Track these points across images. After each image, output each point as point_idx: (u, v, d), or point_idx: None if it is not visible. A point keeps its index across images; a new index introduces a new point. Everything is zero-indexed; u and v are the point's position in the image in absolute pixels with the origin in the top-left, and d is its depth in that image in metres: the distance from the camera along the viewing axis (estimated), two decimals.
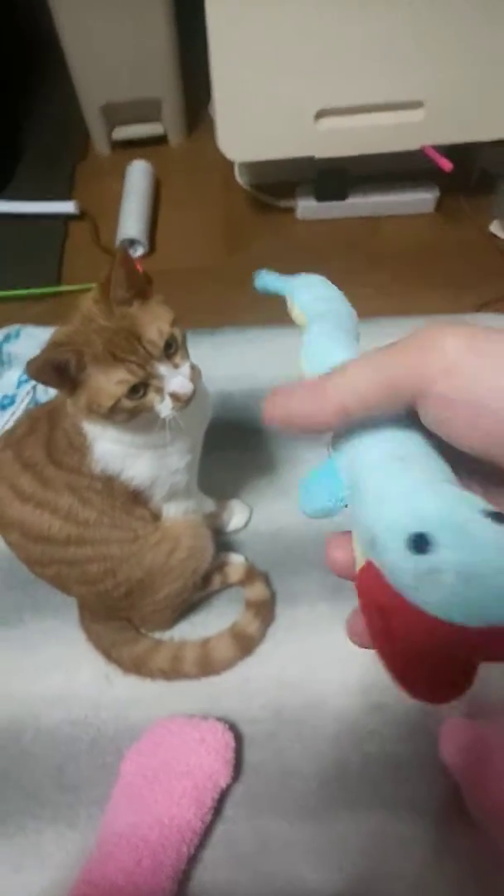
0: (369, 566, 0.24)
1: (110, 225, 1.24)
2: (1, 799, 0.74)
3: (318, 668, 0.79)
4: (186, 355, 0.59)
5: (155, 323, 0.55)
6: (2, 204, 1.28)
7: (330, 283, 0.39)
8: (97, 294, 0.55)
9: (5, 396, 0.97)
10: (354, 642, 0.27)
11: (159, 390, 0.57)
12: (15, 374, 0.99)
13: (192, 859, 0.68)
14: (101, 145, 1.40)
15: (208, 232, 1.26)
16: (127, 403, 0.56)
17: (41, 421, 0.66)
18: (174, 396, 0.57)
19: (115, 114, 1.35)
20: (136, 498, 0.67)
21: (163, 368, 0.56)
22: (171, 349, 0.57)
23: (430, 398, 0.24)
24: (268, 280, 0.42)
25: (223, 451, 0.90)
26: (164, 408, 0.58)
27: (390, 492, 0.25)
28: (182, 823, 0.67)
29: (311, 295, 0.38)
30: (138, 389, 0.56)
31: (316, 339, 0.34)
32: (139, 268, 1.16)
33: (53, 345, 0.55)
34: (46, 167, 1.38)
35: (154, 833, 0.66)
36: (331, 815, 0.72)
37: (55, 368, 0.53)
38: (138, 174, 1.28)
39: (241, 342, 1.07)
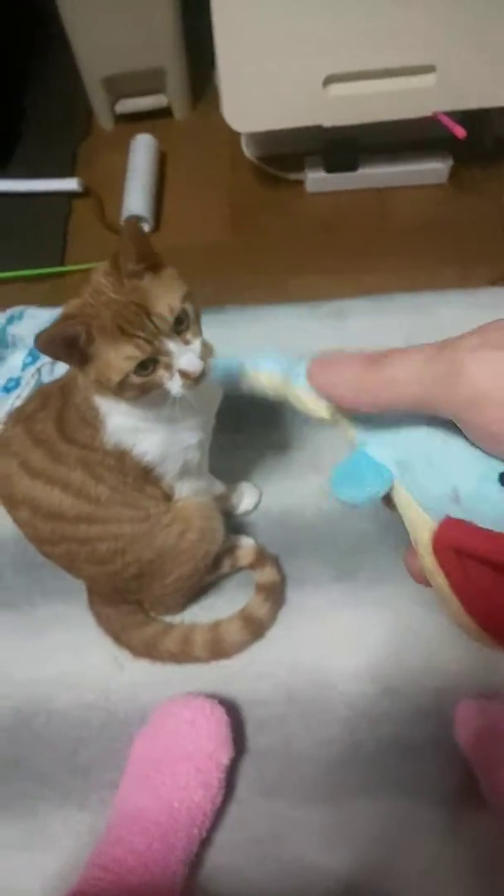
0: (449, 520, 0.27)
1: (115, 201, 1.21)
2: (13, 782, 0.74)
3: (329, 651, 0.78)
4: (199, 332, 0.57)
5: (165, 297, 0.53)
6: (3, 182, 1.25)
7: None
8: (108, 266, 0.53)
9: (10, 379, 0.96)
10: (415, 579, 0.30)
11: (168, 367, 0.55)
12: (20, 356, 0.97)
13: (204, 841, 0.68)
14: (104, 120, 1.37)
15: (215, 207, 1.23)
16: (136, 379, 0.54)
17: (53, 396, 0.65)
18: (183, 374, 0.55)
19: (117, 86, 1.31)
20: (147, 475, 0.66)
21: (172, 345, 0.54)
22: (182, 325, 0.55)
23: (461, 422, 0.26)
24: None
25: (231, 432, 0.89)
26: (174, 385, 0.56)
27: (455, 453, 0.27)
28: (191, 806, 0.67)
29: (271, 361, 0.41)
30: (147, 365, 0.54)
31: None
32: None
33: (63, 317, 0.53)
34: (49, 144, 1.35)
35: (164, 816, 0.66)
36: (342, 799, 0.72)
37: (64, 341, 0.52)
38: (143, 148, 1.25)
39: (246, 319, 1.05)
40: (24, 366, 0.96)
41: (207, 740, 0.69)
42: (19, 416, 0.65)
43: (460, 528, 0.26)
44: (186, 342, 0.56)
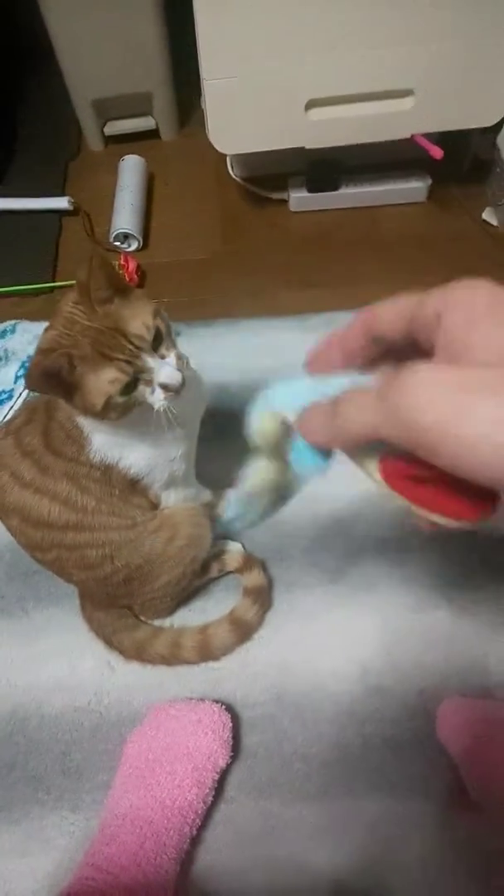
0: (387, 460, 0.32)
1: (104, 220, 1.24)
2: (7, 785, 0.75)
3: (317, 652, 0.80)
4: (173, 345, 0.60)
5: (139, 317, 0.56)
6: None
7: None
8: (76, 296, 0.55)
9: (3, 391, 0.98)
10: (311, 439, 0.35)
11: (149, 382, 0.58)
12: (12, 369, 1.00)
13: (195, 840, 0.69)
14: (93, 141, 1.41)
15: (202, 225, 1.27)
16: (119, 399, 0.56)
17: (38, 411, 0.67)
18: (164, 387, 0.58)
19: (106, 109, 1.35)
20: (134, 486, 0.68)
21: (151, 361, 0.57)
22: (157, 341, 0.58)
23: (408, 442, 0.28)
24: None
25: (220, 440, 0.91)
26: (156, 399, 0.58)
27: None
28: (184, 805, 0.68)
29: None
30: (129, 386, 0.56)
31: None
32: (133, 262, 1.17)
33: (42, 353, 0.55)
34: (40, 163, 1.38)
35: (157, 815, 0.67)
36: (332, 797, 0.73)
37: (49, 376, 0.54)
38: (131, 168, 1.29)
39: (237, 333, 1.08)
40: (17, 378, 0.98)
41: (210, 741, 0.70)
42: (8, 429, 0.68)
43: (393, 461, 0.32)
44: (163, 356, 0.58)
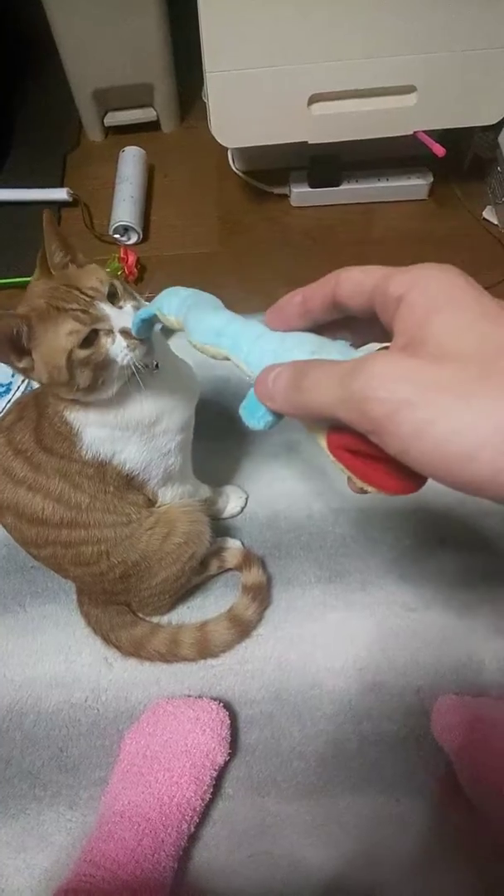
0: (334, 433, 0.32)
1: (104, 212, 1.23)
2: (3, 781, 0.75)
3: (314, 650, 0.80)
4: (131, 297, 0.60)
5: (93, 276, 0.58)
6: None
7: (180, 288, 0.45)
8: (37, 272, 0.59)
9: (0, 385, 0.97)
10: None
11: (109, 332, 0.57)
12: None
13: (192, 837, 0.70)
14: (93, 132, 1.39)
15: (202, 219, 1.26)
16: (80, 353, 0.56)
17: (28, 408, 0.67)
18: (124, 333, 0.56)
19: (106, 100, 1.34)
20: (129, 483, 0.68)
21: (107, 308, 0.57)
22: (113, 296, 0.58)
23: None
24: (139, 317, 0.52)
25: (218, 437, 0.91)
26: (118, 350, 0.57)
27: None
28: (182, 801, 0.68)
29: (177, 298, 0.43)
30: (90, 339, 0.56)
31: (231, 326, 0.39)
32: (133, 255, 1.16)
33: (4, 320, 0.55)
34: (39, 155, 1.37)
35: (154, 811, 0.67)
36: (329, 795, 0.73)
37: (8, 340, 0.54)
38: (131, 160, 1.27)
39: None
40: (13, 373, 0.97)
41: (208, 738, 0.70)
42: (0, 427, 0.67)
43: (342, 437, 0.32)
44: (120, 307, 0.58)
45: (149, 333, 0.56)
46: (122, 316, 0.57)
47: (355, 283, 0.32)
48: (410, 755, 0.74)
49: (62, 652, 0.82)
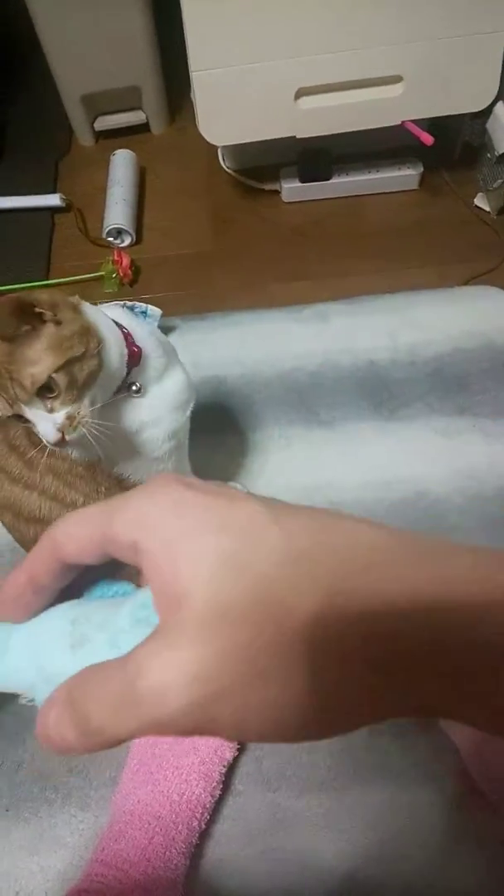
0: None
1: (97, 216, 1.24)
2: (15, 784, 0.75)
3: None
4: (71, 400, 0.55)
5: (33, 367, 0.53)
6: None
7: None
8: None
9: None
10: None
11: (34, 426, 0.56)
12: None
13: (204, 834, 0.70)
14: (84, 136, 1.40)
15: (195, 218, 1.26)
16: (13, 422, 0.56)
17: None
18: (44, 439, 0.55)
19: (95, 104, 1.34)
20: (121, 484, 0.68)
21: (31, 412, 0.54)
22: (52, 392, 0.54)
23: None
24: None
25: (217, 434, 0.91)
26: (44, 433, 0.55)
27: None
28: (192, 799, 0.68)
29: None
30: (21, 420, 0.56)
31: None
32: (127, 258, 1.16)
33: None
34: (30, 161, 1.37)
35: (165, 809, 0.67)
36: (339, 788, 0.73)
37: None
38: (122, 163, 1.28)
39: (229, 326, 1.08)
40: None
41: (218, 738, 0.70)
42: None
43: None
44: (51, 410, 0.55)
45: None
46: (42, 423, 0.54)
47: (77, 540, 0.25)
48: (420, 744, 0.74)
49: None
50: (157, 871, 0.65)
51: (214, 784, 0.70)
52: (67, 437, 0.55)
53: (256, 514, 0.22)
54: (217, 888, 0.69)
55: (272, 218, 1.24)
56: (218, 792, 0.70)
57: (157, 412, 0.63)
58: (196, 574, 0.21)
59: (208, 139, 1.06)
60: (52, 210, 1.27)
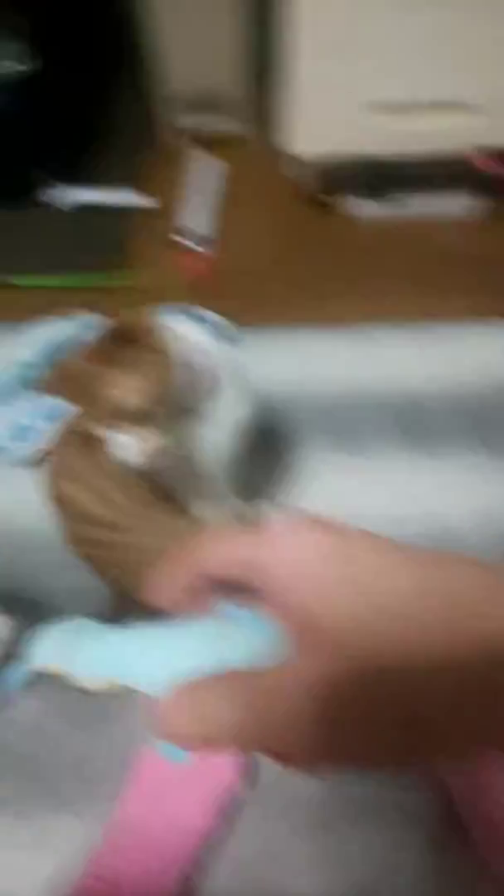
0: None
1: (175, 217, 1.24)
2: (22, 782, 0.76)
3: None
4: (152, 428, 0.56)
5: (123, 392, 0.54)
6: (68, 192, 1.29)
7: None
8: (97, 337, 0.55)
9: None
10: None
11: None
12: None
13: (197, 864, 0.68)
14: (171, 137, 1.41)
15: (268, 229, 1.25)
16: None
17: None
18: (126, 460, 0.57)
19: (187, 105, 1.35)
20: (169, 495, 0.67)
21: (111, 435, 0.57)
22: (135, 419, 0.55)
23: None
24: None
25: (262, 451, 0.90)
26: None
27: None
28: (194, 827, 0.67)
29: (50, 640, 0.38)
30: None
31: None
32: (199, 262, 1.16)
33: (55, 370, 0.57)
34: (115, 156, 1.38)
35: (165, 833, 0.66)
36: (328, 828, 0.71)
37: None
38: (205, 168, 1.28)
39: (284, 342, 1.07)
40: None
41: (230, 770, 0.69)
42: (72, 420, 0.68)
43: None
44: (129, 434, 0.56)
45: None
46: (125, 451, 0.56)
47: (221, 558, 0.28)
48: (407, 780, 0.71)
49: None
50: (149, 892, 0.64)
51: (219, 816, 0.68)
52: (154, 463, 0.57)
53: (392, 557, 0.25)
54: None
55: (341, 235, 1.22)
56: (220, 823, 0.68)
57: (218, 434, 0.62)
58: (336, 615, 0.24)
59: (292, 150, 1.05)
60: (132, 208, 1.28)
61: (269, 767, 0.73)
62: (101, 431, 0.55)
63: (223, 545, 0.28)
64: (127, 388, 0.54)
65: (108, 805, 0.71)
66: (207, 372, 0.63)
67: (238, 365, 0.67)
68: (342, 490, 0.92)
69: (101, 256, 1.21)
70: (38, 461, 0.95)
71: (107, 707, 0.78)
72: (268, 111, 1.41)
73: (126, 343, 0.54)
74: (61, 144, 1.36)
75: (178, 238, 1.21)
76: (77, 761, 0.76)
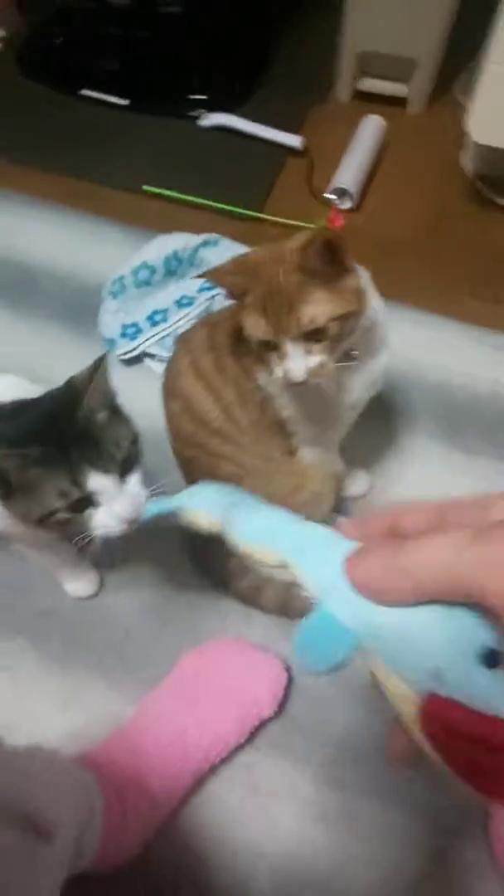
0: (436, 698, 0.25)
1: (326, 170, 1.24)
2: (68, 648, 0.80)
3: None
4: (328, 351, 0.57)
5: (317, 306, 0.55)
6: (234, 119, 1.30)
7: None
8: (300, 245, 0.56)
9: (184, 297, 1.01)
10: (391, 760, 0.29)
11: (283, 357, 0.58)
12: (200, 279, 1.02)
13: (214, 768, 0.71)
14: (342, 91, 1.39)
15: (417, 206, 1.23)
16: (257, 344, 0.59)
17: (240, 313, 0.69)
18: (286, 373, 0.57)
19: (368, 64, 1.33)
20: (281, 427, 0.69)
21: (290, 347, 0.57)
22: (317, 337, 0.56)
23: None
24: (152, 509, 0.41)
25: (370, 422, 0.91)
26: (277, 373, 0.58)
27: (433, 627, 0.25)
28: (218, 730, 0.70)
29: (214, 494, 0.35)
30: (268, 344, 0.58)
31: (279, 525, 0.31)
32: (341, 219, 1.15)
33: (236, 265, 0.58)
34: (284, 98, 1.38)
35: (191, 728, 0.69)
36: (351, 791, 0.73)
37: (231, 293, 0.59)
38: (370, 129, 1.27)
39: (412, 322, 1.06)
40: (201, 289, 1.01)
41: (262, 689, 0.72)
42: (207, 320, 0.70)
43: (449, 707, 0.24)
44: (309, 352, 0.57)
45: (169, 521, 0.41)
46: (294, 362, 0.57)
47: (421, 516, 0.27)
48: (443, 784, 0.72)
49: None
50: (166, 776, 0.68)
51: (243, 730, 0.71)
52: (311, 381, 0.57)
53: None
54: (204, 821, 0.71)
55: (494, 233, 1.20)
56: (243, 739, 0.72)
57: (356, 384, 0.64)
58: None
59: (474, 135, 1.03)
60: (289, 150, 1.28)
61: (295, 709, 0.76)
62: (278, 340, 0.56)
63: (420, 513, 0.27)
64: (320, 303, 0.55)
65: (143, 688, 0.75)
66: (380, 325, 0.64)
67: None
68: (437, 480, 0.92)
69: (245, 187, 1.22)
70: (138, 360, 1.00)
71: (165, 603, 0.83)
72: (452, 88, 1.38)
73: (330, 259, 0.55)
74: (228, 75, 1.38)
75: (324, 191, 1.20)
76: (125, 639, 0.80)
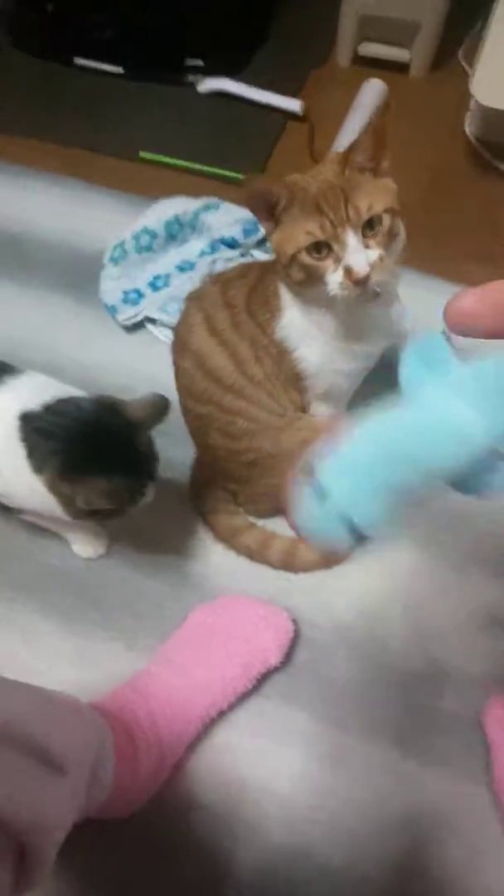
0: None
1: (327, 134, 1.23)
2: (80, 603, 0.82)
3: (390, 607, 0.82)
4: (385, 245, 0.59)
5: (370, 198, 0.57)
6: (232, 84, 1.29)
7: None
8: (339, 156, 0.59)
9: (185, 261, 1.01)
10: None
11: (338, 260, 0.58)
12: (200, 243, 1.02)
13: (221, 714, 0.73)
14: (342, 55, 1.38)
15: (417, 171, 1.23)
16: (305, 259, 0.58)
17: (253, 269, 0.70)
18: (347, 271, 0.57)
19: (368, 27, 1.32)
20: (295, 381, 0.70)
21: (351, 239, 0.57)
22: (372, 230, 0.58)
23: None
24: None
25: (379, 384, 0.91)
26: (334, 280, 0.58)
27: None
28: (225, 676, 0.72)
29: None
30: (321, 250, 0.58)
31: None
32: None
33: (279, 184, 0.59)
34: (284, 62, 1.37)
35: (200, 673, 0.72)
36: (352, 736, 0.75)
37: (266, 200, 0.58)
38: (371, 93, 1.26)
39: (417, 288, 1.05)
40: (202, 253, 1.01)
41: (269, 639, 0.74)
42: (219, 277, 0.71)
43: None
44: (367, 246, 0.58)
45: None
46: (357, 254, 0.57)
47: None
48: (450, 730, 0.75)
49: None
50: (175, 719, 0.70)
51: (250, 678, 0.74)
52: (373, 277, 0.58)
53: None
54: (212, 766, 0.74)
55: (495, 199, 1.19)
56: (250, 685, 0.74)
57: (371, 330, 0.64)
58: None
59: (477, 96, 1.03)
60: (289, 115, 1.27)
61: (300, 659, 0.78)
62: (338, 235, 0.57)
63: None
64: (374, 193, 0.57)
65: (156, 643, 0.77)
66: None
67: None
68: None
69: (245, 153, 1.22)
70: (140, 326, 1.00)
71: (176, 562, 0.84)
72: (456, 51, 1.37)
73: (373, 153, 0.58)
74: (226, 40, 1.35)
75: (325, 154, 1.20)
76: (138, 598, 0.82)
